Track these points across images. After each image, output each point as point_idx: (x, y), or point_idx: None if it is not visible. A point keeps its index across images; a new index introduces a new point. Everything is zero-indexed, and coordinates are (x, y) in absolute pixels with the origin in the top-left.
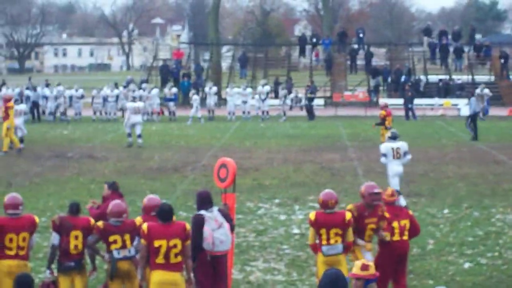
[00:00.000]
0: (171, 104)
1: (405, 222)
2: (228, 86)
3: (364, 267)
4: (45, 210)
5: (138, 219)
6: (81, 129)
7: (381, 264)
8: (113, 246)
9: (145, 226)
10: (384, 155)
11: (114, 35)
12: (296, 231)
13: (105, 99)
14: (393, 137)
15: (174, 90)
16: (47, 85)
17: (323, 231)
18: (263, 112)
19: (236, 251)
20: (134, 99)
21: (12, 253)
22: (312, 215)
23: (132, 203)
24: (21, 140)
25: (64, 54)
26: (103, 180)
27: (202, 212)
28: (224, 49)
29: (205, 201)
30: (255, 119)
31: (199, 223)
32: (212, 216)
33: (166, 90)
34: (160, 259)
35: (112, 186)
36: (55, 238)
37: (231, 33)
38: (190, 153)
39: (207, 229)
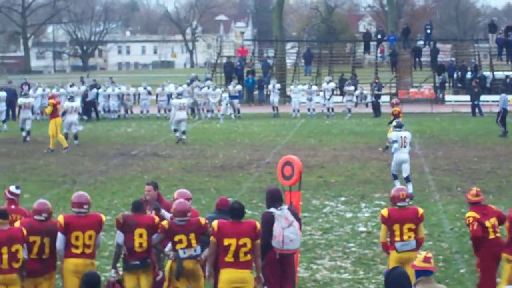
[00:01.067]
0: (236, 101)
1: (494, 220)
2: (292, 83)
3: (426, 259)
4: (109, 208)
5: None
6: (145, 127)
7: (484, 266)
8: (178, 246)
9: (215, 223)
10: (395, 141)
11: (178, 32)
12: (362, 229)
13: (169, 97)
14: (399, 126)
15: (239, 87)
16: (111, 83)
17: (396, 226)
18: (328, 109)
19: (302, 249)
20: (178, 96)
21: (78, 251)
22: (384, 211)
23: (197, 201)
24: (76, 137)
25: (128, 52)
26: (168, 178)
27: (272, 209)
28: (288, 45)
29: (275, 198)
30: (320, 116)
31: (268, 220)
32: (282, 214)
33: (230, 87)
34: (229, 257)
35: (154, 184)
36: (119, 236)
37: (296, 29)
38: (255, 150)
39: (277, 227)
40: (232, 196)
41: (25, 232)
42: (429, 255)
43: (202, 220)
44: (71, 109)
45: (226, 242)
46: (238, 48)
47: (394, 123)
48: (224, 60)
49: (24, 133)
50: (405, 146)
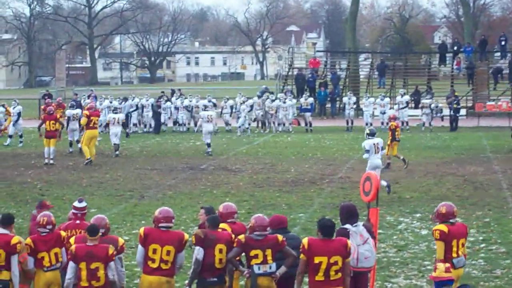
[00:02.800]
0: (308, 114)
1: None
2: (365, 95)
3: (448, 270)
4: (178, 224)
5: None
6: (214, 141)
7: None
8: (253, 261)
9: (305, 241)
10: (368, 151)
11: (248, 43)
12: None
13: (237, 110)
14: (372, 134)
15: (311, 100)
16: (179, 96)
17: (454, 242)
18: (402, 123)
19: (377, 267)
20: (205, 108)
21: (155, 265)
22: (443, 227)
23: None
24: (116, 149)
25: (197, 63)
26: (238, 193)
27: (347, 226)
28: (362, 57)
29: (350, 214)
30: None
31: (343, 237)
32: (357, 231)
33: (302, 100)
34: (320, 276)
35: (210, 211)
36: (199, 252)
37: (369, 40)
38: (327, 165)
39: (351, 244)
40: (304, 212)
41: (111, 251)
42: (448, 265)
43: (280, 237)
44: (113, 121)
45: (316, 260)
46: (310, 59)
47: (367, 131)
48: (296, 71)
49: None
50: (377, 152)
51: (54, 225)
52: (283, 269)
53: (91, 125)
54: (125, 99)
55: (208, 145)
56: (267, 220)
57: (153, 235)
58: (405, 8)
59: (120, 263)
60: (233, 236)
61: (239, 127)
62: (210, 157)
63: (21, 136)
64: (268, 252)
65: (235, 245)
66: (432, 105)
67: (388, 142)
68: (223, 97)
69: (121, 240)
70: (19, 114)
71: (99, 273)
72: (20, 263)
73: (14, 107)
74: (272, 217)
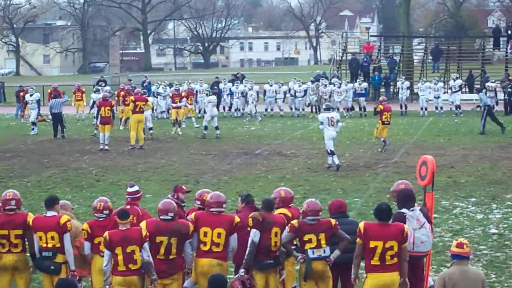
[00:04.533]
0: (362, 99)
1: None
2: (420, 80)
3: (459, 245)
4: (233, 208)
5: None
6: (269, 126)
7: None
8: (307, 245)
9: (361, 225)
10: (322, 123)
11: (301, 28)
12: (494, 230)
13: (293, 95)
14: (328, 108)
15: (365, 85)
16: (232, 81)
17: None
18: (456, 107)
19: (432, 251)
20: (210, 93)
21: (206, 248)
22: None
23: (323, 201)
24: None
25: (250, 48)
26: (293, 177)
27: (404, 210)
28: (415, 41)
29: (407, 199)
30: (448, 114)
31: (400, 221)
32: (414, 215)
33: (356, 84)
34: (375, 261)
35: (246, 199)
36: (255, 235)
37: (422, 25)
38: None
39: (408, 229)
40: (359, 197)
41: (144, 232)
42: (464, 241)
43: (333, 221)
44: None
45: (372, 244)
46: (363, 44)
47: (324, 106)
48: (349, 56)
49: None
50: (332, 125)
51: (111, 210)
52: (337, 252)
53: (137, 110)
54: (170, 85)
55: (217, 127)
56: (319, 205)
57: (203, 218)
58: None
59: (190, 246)
60: (285, 220)
61: (249, 114)
62: (265, 142)
63: (33, 124)
64: (322, 236)
65: (288, 230)
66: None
67: (378, 126)
68: (278, 82)
69: (191, 225)
70: (38, 102)
71: (135, 256)
72: (77, 248)
73: (32, 95)
74: (331, 201)
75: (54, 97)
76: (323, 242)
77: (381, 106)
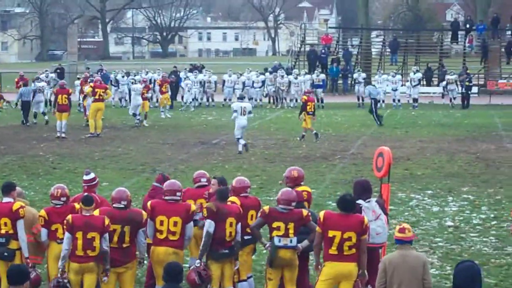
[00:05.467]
0: (319, 90)
1: None
2: (377, 72)
3: (401, 230)
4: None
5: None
6: (227, 116)
7: None
8: (275, 233)
9: (322, 214)
10: (235, 111)
11: (260, 19)
12: (449, 223)
13: (249, 85)
14: (241, 98)
15: (322, 76)
16: (191, 70)
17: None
18: (413, 100)
19: (388, 243)
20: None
21: (162, 236)
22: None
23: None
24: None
25: (209, 38)
26: (250, 168)
27: (360, 201)
28: (374, 34)
29: (364, 190)
30: (406, 106)
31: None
32: (370, 207)
33: (314, 76)
34: (333, 250)
35: (221, 181)
36: (210, 225)
37: (381, 17)
38: (339, 141)
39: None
40: (316, 187)
41: (107, 222)
42: (406, 226)
43: (305, 212)
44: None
45: (330, 234)
46: (322, 36)
47: (238, 95)
48: (308, 48)
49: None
50: (244, 114)
51: (68, 197)
52: (305, 243)
53: (96, 97)
54: (128, 74)
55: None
56: (293, 195)
57: (159, 207)
58: None
59: (143, 235)
60: (241, 210)
61: (185, 103)
62: (222, 132)
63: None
64: (291, 225)
65: (259, 215)
66: (444, 83)
67: (304, 116)
68: (237, 73)
69: (144, 214)
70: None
71: (95, 243)
72: (34, 234)
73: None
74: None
75: (24, 85)
76: (291, 231)
77: (304, 97)
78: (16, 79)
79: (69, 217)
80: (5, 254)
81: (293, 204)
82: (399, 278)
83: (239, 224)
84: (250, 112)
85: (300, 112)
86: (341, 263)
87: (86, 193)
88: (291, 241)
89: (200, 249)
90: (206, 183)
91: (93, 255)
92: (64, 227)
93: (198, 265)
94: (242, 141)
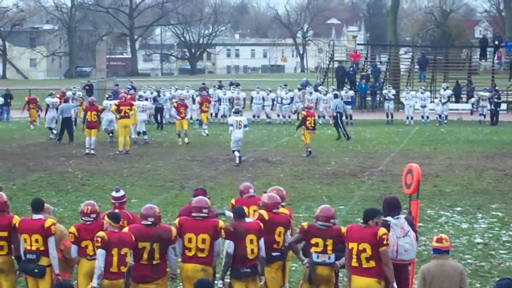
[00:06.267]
0: (348, 107)
1: None
2: (405, 89)
3: (438, 240)
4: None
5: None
6: (255, 133)
7: None
8: (313, 249)
9: (345, 228)
10: (231, 125)
11: (288, 35)
12: (479, 240)
13: (278, 102)
14: (236, 112)
15: (351, 93)
16: (220, 87)
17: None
18: (440, 116)
19: (417, 260)
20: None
21: (190, 254)
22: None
23: (309, 209)
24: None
25: (237, 55)
26: (279, 184)
27: (388, 218)
28: (402, 50)
29: (392, 207)
30: (434, 123)
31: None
32: (398, 223)
33: (342, 93)
34: (354, 262)
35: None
36: (229, 245)
37: (409, 34)
38: (368, 158)
39: (391, 236)
40: (344, 204)
41: (133, 238)
42: (443, 236)
43: (343, 229)
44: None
45: (350, 245)
46: (351, 52)
47: (234, 109)
48: (336, 64)
49: (52, 133)
50: (240, 128)
51: (98, 214)
52: (343, 260)
53: (122, 114)
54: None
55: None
56: (331, 212)
57: (187, 224)
58: (446, 2)
59: (173, 252)
60: (261, 225)
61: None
62: (250, 149)
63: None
64: (329, 242)
65: (298, 231)
66: (473, 99)
67: (303, 131)
68: (266, 90)
69: (174, 230)
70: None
71: (127, 258)
72: (61, 251)
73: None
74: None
75: (64, 101)
76: (329, 248)
77: (304, 112)
78: (58, 95)
79: (103, 234)
80: (36, 270)
81: (332, 221)
82: (438, 286)
83: (261, 240)
84: (246, 126)
85: (298, 126)
86: (361, 277)
87: (115, 210)
88: (329, 258)
89: (221, 270)
90: (254, 194)
91: (123, 271)
92: (97, 244)
93: (221, 286)
94: (237, 154)
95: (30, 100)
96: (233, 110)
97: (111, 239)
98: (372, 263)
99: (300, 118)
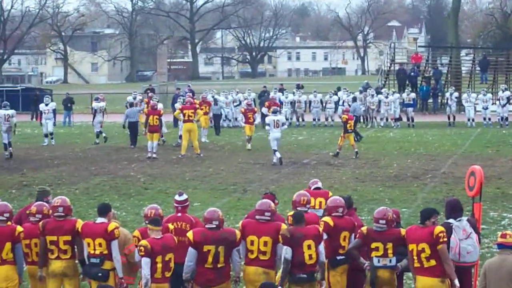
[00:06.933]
0: (410, 109)
1: None
2: (467, 91)
3: (503, 235)
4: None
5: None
6: (317, 135)
7: None
8: (374, 253)
9: (403, 230)
10: (268, 124)
11: (349, 38)
12: None
13: (337, 104)
14: (274, 112)
15: (413, 95)
16: (281, 90)
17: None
18: (502, 118)
19: (481, 262)
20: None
21: (252, 256)
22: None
23: (371, 211)
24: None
25: (298, 58)
26: (341, 187)
27: (451, 220)
28: (463, 52)
29: (455, 209)
30: (496, 125)
31: (446, 232)
32: (461, 226)
33: (404, 95)
34: (416, 263)
35: (348, 202)
36: (287, 251)
37: (470, 36)
38: (430, 160)
39: (454, 239)
40: (407, 207)
41: (176, 240)
42: (508, 232)
43: (403, 232)
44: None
45: (410, 247)
46: (412, 55)
47: (272, 109)
48: (397, 67)
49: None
50: (277, 127)
51: (161, 218)
52: (405, 262)
53: (186, 119)
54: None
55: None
56: (382, 213)
57: (250, 227)
58: (507, 3)
59: (238, 254)
60: (320, 230)
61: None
62: (312, 152)
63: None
64: (389, 246)
65: (357, 236)
66: None
67: (341, 134)
68: (328, 92)
69: (238, 233)
70: (54, 111)
71: (171, 263)
72: (126, 255)
73: (47, 104)
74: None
75: (130, 106)
76: (390, 252)
77: (345, 116)
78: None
79: (146, 242)
80: (100, 274)
81: (381, 221)
82: (497, 281)
83: (321, 245)
84: (283, 124)
85: (344, 131)
86: (425, 277)
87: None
88: (390, 261)
89: (280, 276)
90: (321, 187)
91: (168, 276)
92: (141, 253)
93: None
94: (278, 154)
95: None
96: (271, 110)
97: (154, 247)
98: (432, 262)
99: (346, 121)
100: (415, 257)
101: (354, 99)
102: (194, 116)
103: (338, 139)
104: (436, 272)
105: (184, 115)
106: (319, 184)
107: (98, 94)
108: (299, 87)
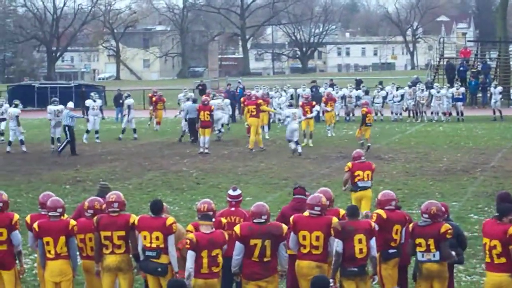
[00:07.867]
0: (459, 104)
1: None
2: None
3: None
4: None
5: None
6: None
7: None
8: (418, 249)
9: (446, 226)
10: (288, 116)
11: (398, 33)
12: None
13: (384, 98)
14: (290, 105)
15: (462, 89)
16: (331, 85)
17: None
18: None
19: None
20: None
21: (305, 251)
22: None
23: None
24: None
25: (347, 53)
26: (391, 181)
27: None
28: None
29: (505, 203)
30: None
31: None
32: None
33: (453, 90)
34: (487, 258)
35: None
36: (338, 244)
37: None
38: (479, 154)
39: None
40: (457, 200)
41: (227, 236)
42: None
43: (443, 228)
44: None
45: (484, 240)
46: (461, 49)
47: (287, 103)
48: (446, 61)
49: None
50: (295, 119)
51: (214, 212)
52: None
53: (249, 114)
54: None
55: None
56: (430, 205)
57: (301, 222)
58: None
59: (284, 248)
60: (373, 225)
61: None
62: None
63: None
64: (431, 241)
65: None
66: None
67: (359, 127)
68: (376, 87)
69: (284, 227)
70: (101, 108)
71: (219, 259)
72: (179, 250)
73: (95, 101)
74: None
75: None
76: (432, 247)
77: (364, 109)
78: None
79: (193, 236)
80: (159, 269)
81: (428, 216)
82: None
83: (372, 239)
84: (300, 116)
85: (361, 124)
86: (494, 273)
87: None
88: (434, 256)
89: (332, 268)
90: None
91: (216, 271)
92: (187, 246)
93: (332, 284)
94: (299, 148)
95: (158, 99)
96: (287, 103)
97: (200, 241)
98: (503, 259)
99: (365, 114)
100: (487, 252)
101: (367, 92)
102: (256, 113)
103: (388, 133)
104: (505, 268)
105: (247, 111)
106: (363, 158)
107: (151, 90)
108: (359, 82)
